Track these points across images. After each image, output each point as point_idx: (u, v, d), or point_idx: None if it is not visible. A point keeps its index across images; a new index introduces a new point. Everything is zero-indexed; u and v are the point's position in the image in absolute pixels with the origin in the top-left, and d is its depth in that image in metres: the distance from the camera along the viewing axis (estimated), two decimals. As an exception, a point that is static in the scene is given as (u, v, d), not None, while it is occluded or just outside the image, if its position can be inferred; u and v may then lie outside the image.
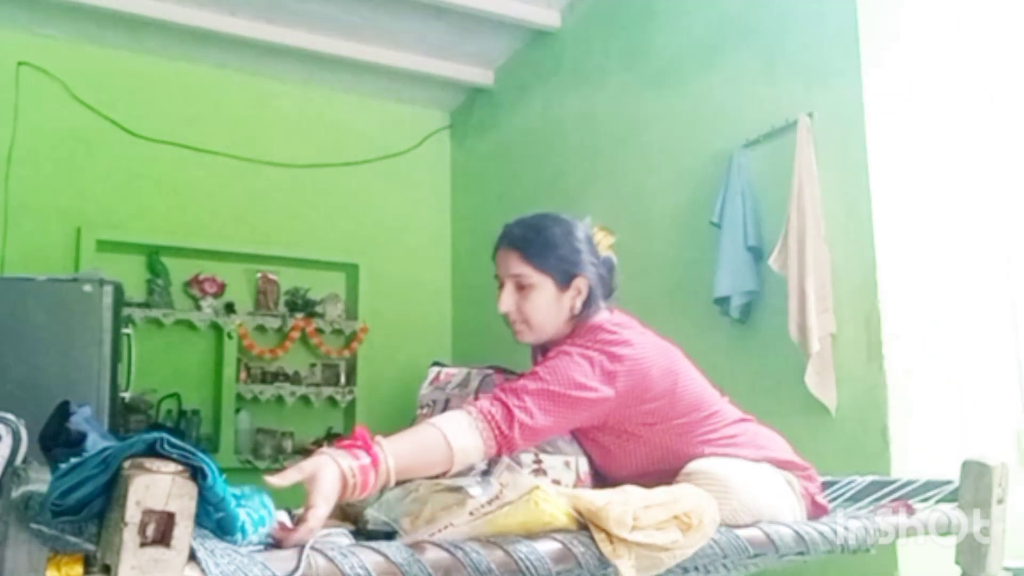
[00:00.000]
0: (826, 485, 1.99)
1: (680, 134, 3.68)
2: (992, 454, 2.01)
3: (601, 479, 1.79)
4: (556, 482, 1.61)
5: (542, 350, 1.79)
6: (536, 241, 1.73)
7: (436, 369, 1.81)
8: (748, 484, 1.60)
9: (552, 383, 1.56)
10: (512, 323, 1.75)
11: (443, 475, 1.45)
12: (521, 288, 1.72)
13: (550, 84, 4.72)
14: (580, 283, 1.72)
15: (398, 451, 1.38)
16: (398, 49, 4.99)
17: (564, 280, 1.71)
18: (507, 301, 1.73)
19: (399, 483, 1.42)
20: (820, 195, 2.94)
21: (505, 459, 1.50)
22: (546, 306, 1.71)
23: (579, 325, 1.72)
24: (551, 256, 1.71)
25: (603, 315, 1.74)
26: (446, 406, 1.67)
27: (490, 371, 1.73)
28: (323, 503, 1.24)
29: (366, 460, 1.33)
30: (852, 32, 2.93)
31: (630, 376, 1.61)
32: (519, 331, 1.75)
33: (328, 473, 1.28)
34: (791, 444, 1.86)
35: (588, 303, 1.73)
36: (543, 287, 1.70)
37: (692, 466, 1.62)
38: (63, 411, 1.37)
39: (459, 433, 1.46)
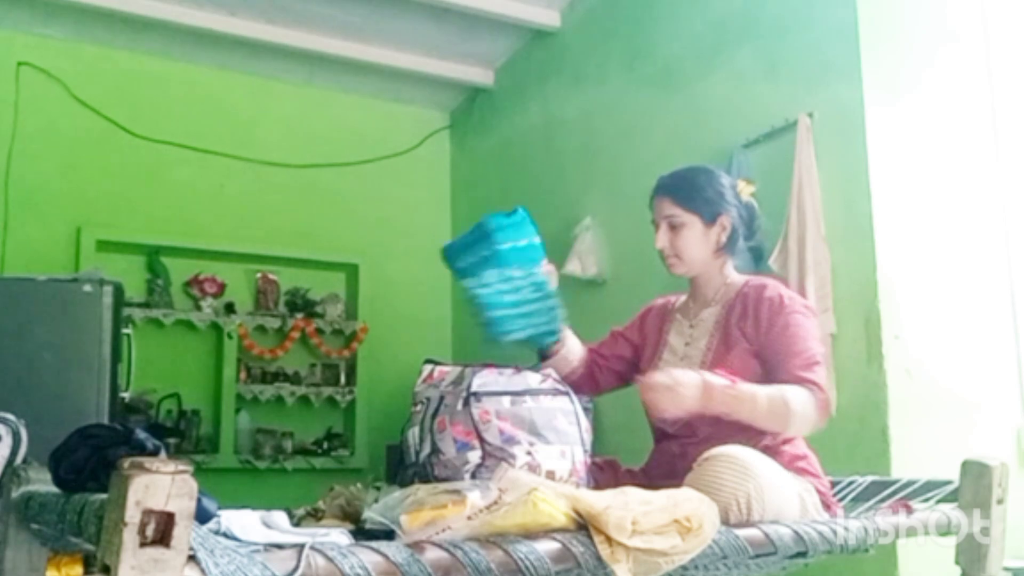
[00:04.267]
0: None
1: (680, 134, 3.68)
2: (992, 454, 2.01)
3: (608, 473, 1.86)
4: (551, 473, 1.62)
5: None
6: (684, 186, 2.03)
7: (429, 367, 1.83)
8: (766, 474, 1.67)
9: (817, 343, 1.92)
10: (666, 258, 2.04)
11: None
12: (673, 228, 2.01)
13: (550, 84, 4.72)
14: (724, 221, 2.01)
15: (743, 388, 1.79)
16: (398, 49, 4.99)
17: (710, 218, 2.01)
18: (662, 239, 2.03)
19: (400, 485, 1.43)
20: (820, 195, 2.94)
21: (504, 464, 1.52)
22: (695, 241, 2.01)
23: (752, 287, 2.00)
24: (697, 198, 2.00)
25: (771, 282, 2.04)
26: (440, 403, 1.68)
27: (482, 368, 1.73)
28: (672, 376, 1.73)
29: (704, 381, 1.75)
30: (852, 32, 2.93)
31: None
32: (672, 264, 2.04)
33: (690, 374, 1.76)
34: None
35: (732, 239, 2.03)
36: (692, 225, 2.00)
37: (716, 450, 1.70)
38: (84, 436, 1.32)
39: (799, 400, 1.81)
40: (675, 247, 2.02)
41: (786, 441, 1.90)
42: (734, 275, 2.09)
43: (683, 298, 2.16)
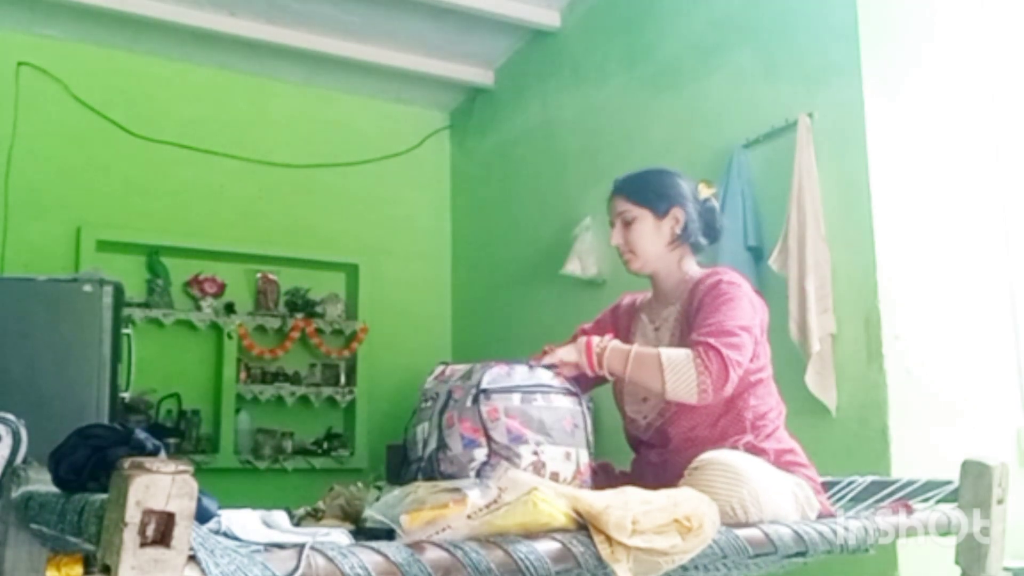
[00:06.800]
0: (826, 485, 2.00)
1: (680, 134, 3.68)
2: (992, 454, 2.01)
3: (609, 477, 1.86)
4: (555, 474, 1.62)
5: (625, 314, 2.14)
6: (634, 182, 2.07)
7: (442, 367, 1.83)
8: (759, 477, 1.67)
9: (743, 320, 1.86)
10: (622, 254, 2.07)
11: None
12: (626, 224, 2.04)
13: (550, 84, 4.72)
14: (676, 212, 2.03)
15: (616, 343, 1.87)
16: (398, 49, 4.99)
17: (662, 211, 2.03)
18: (616, 236, 2.06)
19: (404, 480, 1.44)
20: (820, 195, 2.94)
21: (504, 463, 1.52)
22: (648, 234, 2.03)
23: (701, 279, 1.98)
24: (647, 191, 2.04)
25: (721, 270, 2.01)
26: (449, 398, 1.68)
27: (492, 364, 1.73)
28: (553, 354, 1.84)
29: (585, 339, 1.88)
30: (852, 32, 2.93)
31: (763, 314, 1.96)
32: (628, 260, 2.06)
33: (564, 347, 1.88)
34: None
35: (686, 231, 2.03)
36: (643, 219, 2.03)
37: (705, 456, 1.70)
38: (84, 436, 1.32)
39: (674, 356, 1.80)
40: (629, 242, 2.04)
41: (768, 436, 1.88)
42: (694, 270, 2.06)
43: (648, 296, 2.15)
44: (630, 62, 4.09)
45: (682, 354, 1.80)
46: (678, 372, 1.78)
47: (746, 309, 1.89)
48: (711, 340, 1.80)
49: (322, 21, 4.70)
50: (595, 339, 1.87)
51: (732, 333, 1.82)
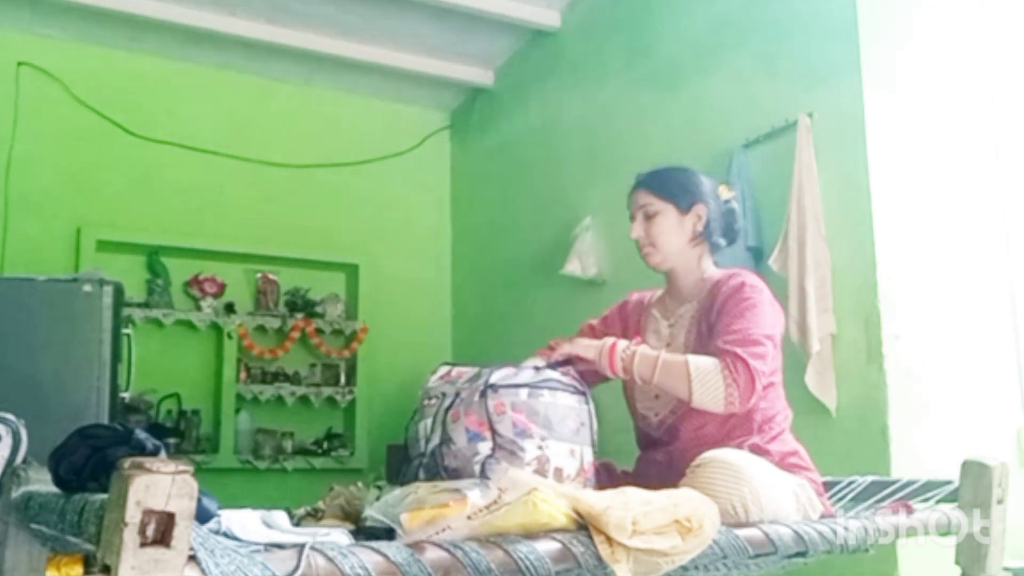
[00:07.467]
0: (826, 485, 2.00)
1: (680, 134, 3.68)
2: (992, 454, 2.01)
3: (609, 478, 1.86)
4: (559, 470, 1.61)
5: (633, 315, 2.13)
6: (659, 177, 2.06)
7: (447, 367, 1.82)
8: (760, 476, 1.67)
9: (767, 328, 1.87)
10: (642, 247, 2.05)
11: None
12: (648, 217, 2.02)
13: (550, 84, 4.72)
14: (699, 210, 2.02)
15: (645, 349, 1.87)
16: (398, 49, 4.99)
17: (685, 207, 2.01)
18: (637, 229, 2.04)
19: (402, 483, 1.46)
20: (820, 195, 2.94)
21: (504, 463, 1.52)
22: (669, 229, 2.01)
23: (722, 279, 1.98)
24: (672, 186, 2.03)
25: (743, 273, 2.02)
26: (456, 398, 1.67)
27: (500, 366, 1.72)
28: (573, 344, 1.90)
29: (611, 341, 1.89)
30: (852, 32, 2.93)
31: (781, 320, 1.98)
32: (647, 253, 2.04)
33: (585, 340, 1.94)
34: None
35: (708, 229, 2.02)
36: (666, 213, 2.01)
37: (707, 455, 1.70)
38: (84, 436, 1.31)
39: (702, 365, 1.80)
40: (650, 235, 2.02)
41: (773, 439, 1.88)
42: (712, 270, 2.05)
43: (658, 294, 2.14)
44: (630, 62, 4.09)
45: (710, 364, 1.81)
46: (706, 382, 1.79)
47: (769, 315, 1.91)
48: (738, 350, 1.80)
49: (322, 21, 4.70)
50: (620, 343, 1.88)
51: (758, 342, 1.83)
